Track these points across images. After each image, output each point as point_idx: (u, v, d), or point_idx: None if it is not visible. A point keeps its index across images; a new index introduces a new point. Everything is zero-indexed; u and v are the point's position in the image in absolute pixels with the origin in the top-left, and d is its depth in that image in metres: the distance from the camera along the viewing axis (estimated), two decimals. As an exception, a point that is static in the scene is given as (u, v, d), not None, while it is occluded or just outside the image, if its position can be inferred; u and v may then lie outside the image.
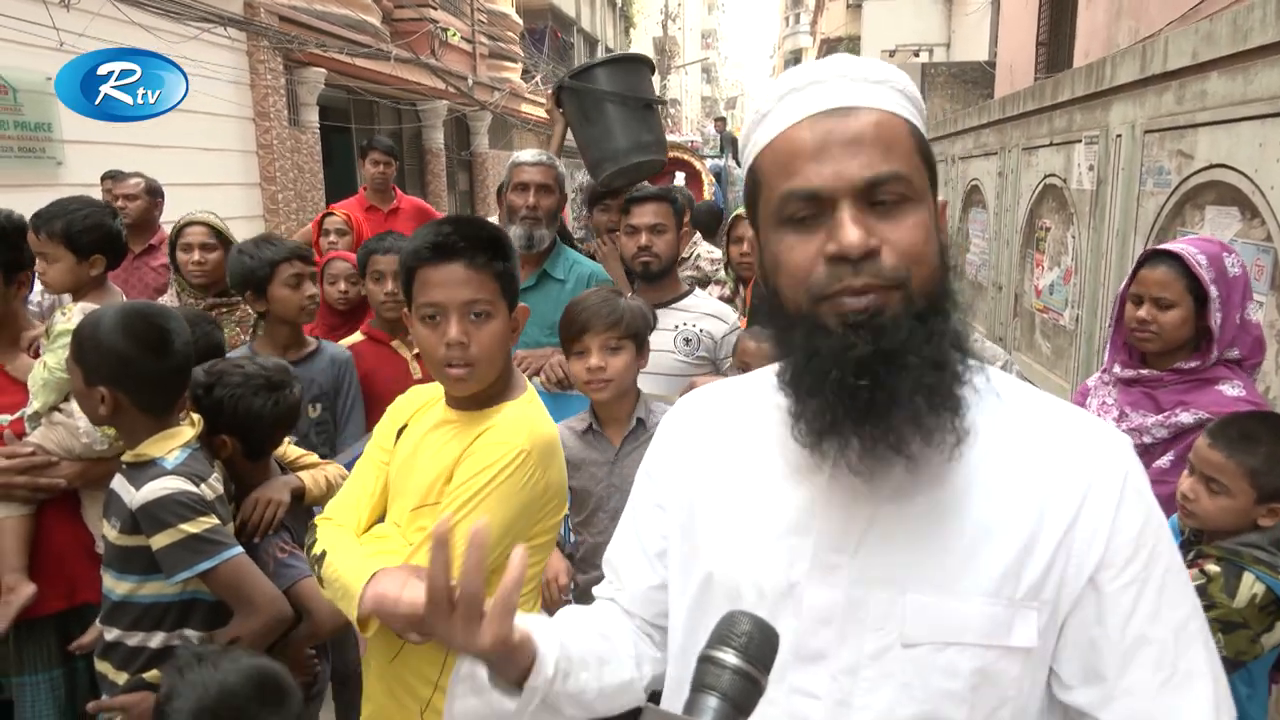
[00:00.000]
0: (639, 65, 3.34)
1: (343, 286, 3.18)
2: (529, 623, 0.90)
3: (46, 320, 2.08)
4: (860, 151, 0.79)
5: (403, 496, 1.55)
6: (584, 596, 1.50)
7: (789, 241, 0.82)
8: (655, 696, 1.02)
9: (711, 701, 0.63)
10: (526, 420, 1.53)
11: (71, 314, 2.01)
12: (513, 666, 0.86)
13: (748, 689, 0.64)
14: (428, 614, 0.81)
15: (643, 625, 1.04)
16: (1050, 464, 0.83)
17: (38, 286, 2.37)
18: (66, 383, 1.94)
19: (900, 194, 0.79)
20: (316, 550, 1.49)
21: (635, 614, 1.04)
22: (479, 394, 1.53)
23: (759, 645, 0.66)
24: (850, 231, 0.77)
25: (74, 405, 1.94)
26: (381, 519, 1.60)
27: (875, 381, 0.77)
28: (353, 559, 1.44)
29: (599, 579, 1.71)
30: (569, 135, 3.25)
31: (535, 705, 0.87)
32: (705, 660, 0.66)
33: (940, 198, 0.87)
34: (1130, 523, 0.82)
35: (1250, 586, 1.58)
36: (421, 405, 1.64)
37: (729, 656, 0.65)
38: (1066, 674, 0.84)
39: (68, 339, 1.95)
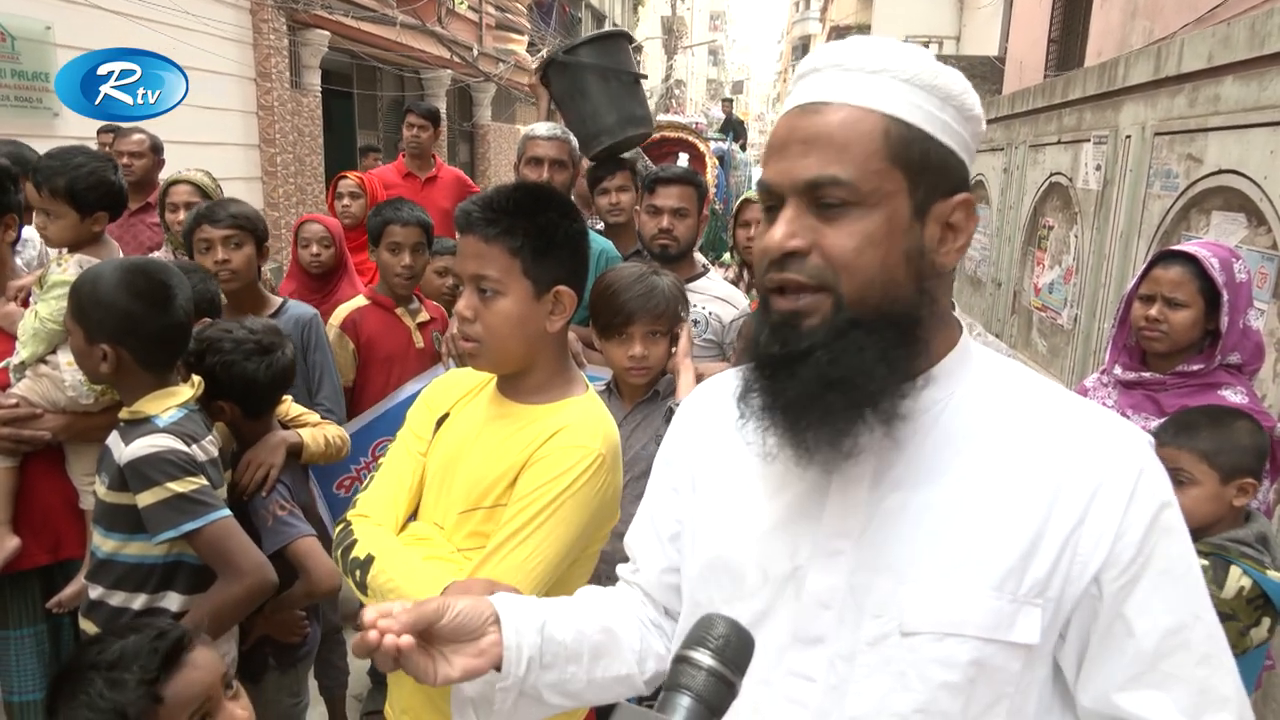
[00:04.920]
0: (621, 40, 3.46)
1: (315, 250, 3.08)
2: (511, 611, 0.92)
3: (42, 270, 2.05)
4: (810, 151, 0.79)
5: (447, 494, 1.42)
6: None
7: (761, 228, 0.86)
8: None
9: (685, 701, 0.64)
10: (599, 420, 1.42)
11: (67, 265, 1.99)
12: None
13: (721, 690, 0.65)
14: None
15: (657, 617, 1.05)
16: (1062, 459, 0.82)
17: (35, 237, 2.34)
18: (57, 334, 1.91)
19: (840, 198, 0.78)
20: (359, 553, 1.36)
21: (652, 597, 1.06)
22: (537, 383, 1.42)
23: (735, 648, 0.67)
24: (774, 231, 0.81)
25: (60, 358, 1.92)
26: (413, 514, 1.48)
27: (774, 382, 0.82)
28: (409, 569, 1.32)
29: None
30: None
31: (512, 700, 0.91)
32: (680, 660, 0.66)
33: (959, 196, 0.83)
34: (1138, 521, 0.80)
35: (1238, 579, 1.62)
36: (466, 392, 1.51)
37: (704, 657, 0.66)
38: (1068, 669, 0.84)
39: (62, 290, 1.92)
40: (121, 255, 2.14)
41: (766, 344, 0.82)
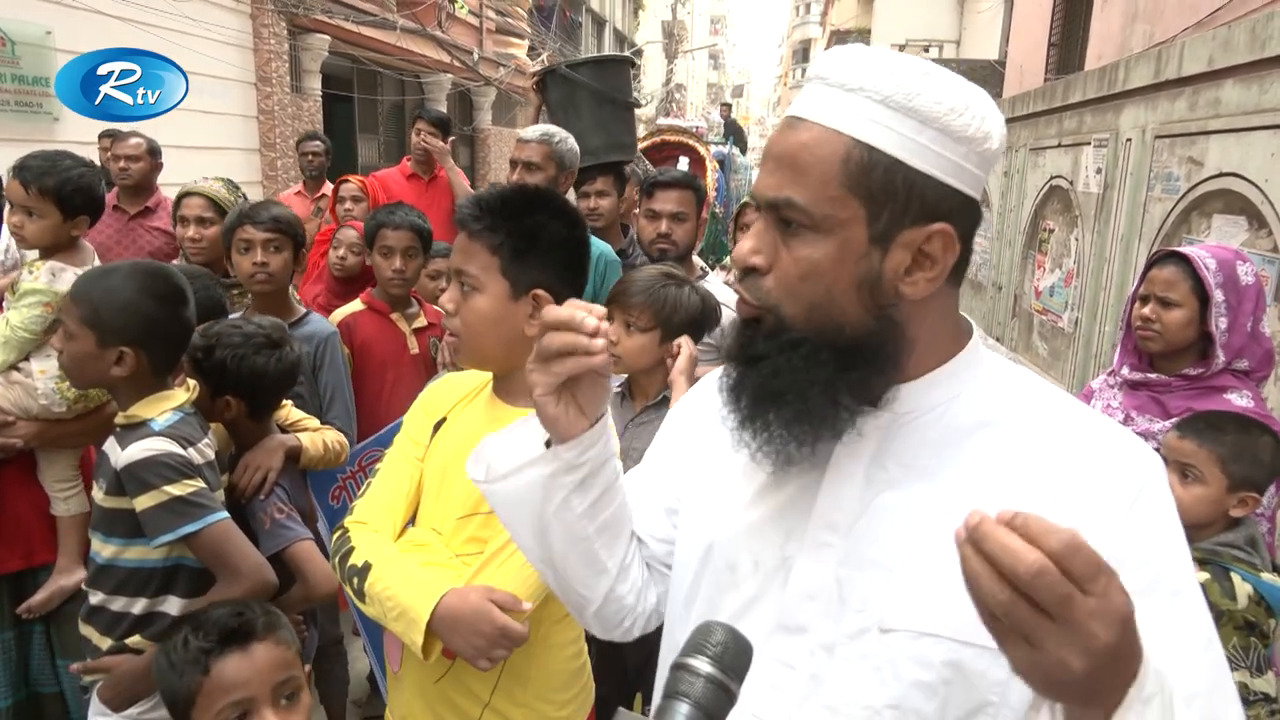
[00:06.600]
0: (624, 66, 3.50)
1: (342, 253, 3.15)
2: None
3: (14, 276, 2.05)
4: (778, 169, 0.81)
5: (445, 500, 1.42)
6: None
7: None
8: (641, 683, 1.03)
9: (683, 708, 0.63)
10: None
11: (39, 272, 1.98)
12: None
13: (720, 698, 0.64)
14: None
15: (647, 557, 1.05)
16: (1060, 469, 0.81)
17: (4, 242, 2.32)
18: (28, 342, 1.92)
19: (796, 221, 0.80)
20: (356, 561, 1.36)
21: (647, 545, 1.05)
22: (527, 386, 1.42)
23: (733, 655, 0.67)
24: (743, 243, 0.84)
25: (33, 365, 1.92)
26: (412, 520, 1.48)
27: (740, 378, 0.86)
28: (406, 576, 1.32)
29: None
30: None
31: (540, 480, 0.91)
32: (678, 668, 0.66)
33: (934, 225, 0.78)
34: (1135, 536, 0.78)
35: (1241, 585, 1.62)
36: (463, 396, 1.50)
37: (703, 665, 0.65)
38: None
39: (34, 298, 1.92)
40: (98, 261, 2.13)
41: (732, 341, 0.89)
